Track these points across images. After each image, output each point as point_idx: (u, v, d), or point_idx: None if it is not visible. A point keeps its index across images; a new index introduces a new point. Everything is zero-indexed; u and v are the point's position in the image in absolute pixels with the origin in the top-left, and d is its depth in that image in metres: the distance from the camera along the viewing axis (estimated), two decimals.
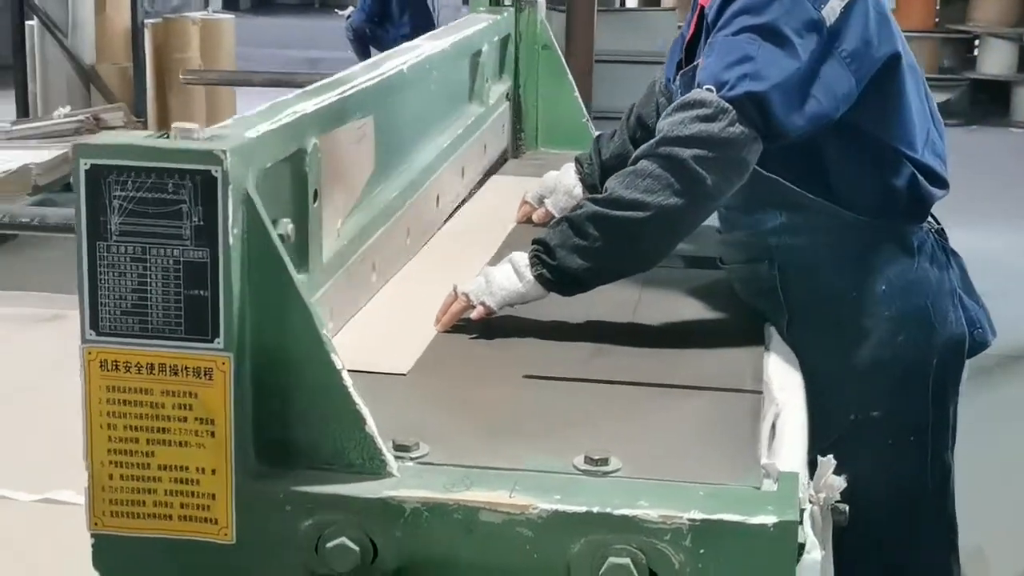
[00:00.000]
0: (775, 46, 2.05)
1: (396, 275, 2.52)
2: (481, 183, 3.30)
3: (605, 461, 1.70)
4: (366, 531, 1.63)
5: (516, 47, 3.59)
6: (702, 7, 2.26)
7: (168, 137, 1.62)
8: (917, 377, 2.26)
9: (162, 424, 1.64)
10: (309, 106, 2.04)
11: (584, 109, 3.66)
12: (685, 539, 1.58)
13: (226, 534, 1.64)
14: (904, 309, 2.23)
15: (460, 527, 1.61)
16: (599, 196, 2.10)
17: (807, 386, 2.21)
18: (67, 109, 8.26)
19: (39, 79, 8.82)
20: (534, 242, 2.13)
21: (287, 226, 1.94)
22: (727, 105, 2.02)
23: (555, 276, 2.09)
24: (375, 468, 1.67)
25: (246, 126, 1.83)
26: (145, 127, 8.26)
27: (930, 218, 2.36)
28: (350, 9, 12.96)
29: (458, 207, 3.05)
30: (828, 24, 2.09)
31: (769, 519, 1.57)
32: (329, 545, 1.62)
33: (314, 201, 2.05)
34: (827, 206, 2.19)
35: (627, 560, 1.58)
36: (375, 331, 2.21)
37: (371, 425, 1.67)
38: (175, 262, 1.60)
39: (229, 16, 9.08)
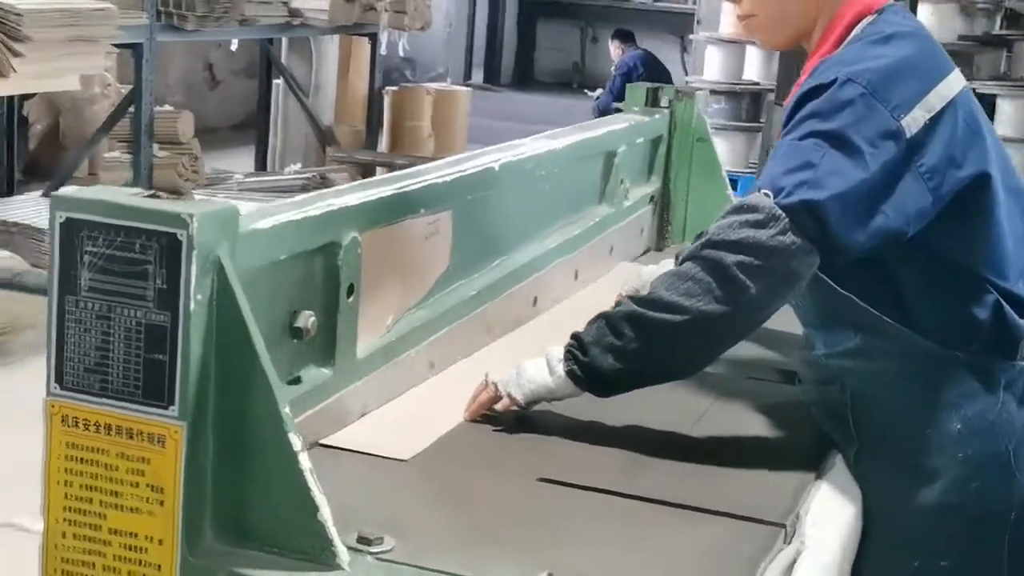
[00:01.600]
0: (842, 154, 1.90)
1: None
2: None
3: None
4: None
5: (669, 141, 3.49)
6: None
7: (155, 196, 1.60)
8: (992, 529, 2.04)
9: (115, 487, 1.61)
10: (352, 199, 2.00)
11: None
12: None
13: None
14: (981, 452, 2.02)
15: None
16: (641, 295, 1.98)
17: (870, 524, 2.04)
18: (298, 166, 8.57)
19: (279, 136, 9.18)
20: (572, 336, 2.02)
21: (308, 319, 1.90)
22: (780, 212, 1.88)
23: (585, 374, 1.98)
24: (325, 558, 1.59)
25: (266, 215, 1.81)
26: None
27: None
28: (599, 91, 13.07)
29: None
30: (908, 135, 1.93)
31: None
32: None
33: (348, 296, 2.00)
34: (902, 331, 2.01)
35: None
36: (402, 412, 2.13)
37: (324, 513, 1.59)
38: (138, 323, 1.57)
39: (464, 89, 9.25)
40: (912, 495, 2.04)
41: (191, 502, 1.60)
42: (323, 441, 1.98)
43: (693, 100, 3.51)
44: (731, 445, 2.11)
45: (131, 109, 6.47)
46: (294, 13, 7.42)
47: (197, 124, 7.96)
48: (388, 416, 2.12)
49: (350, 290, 2.01)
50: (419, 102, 8.66)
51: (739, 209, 1.93)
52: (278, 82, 9.13)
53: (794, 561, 1.76)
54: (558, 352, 2.02)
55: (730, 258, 1.89)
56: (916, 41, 2.04)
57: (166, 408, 1.57)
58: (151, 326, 1.57)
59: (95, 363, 1.59)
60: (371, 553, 1.64)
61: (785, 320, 2.18)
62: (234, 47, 8.53)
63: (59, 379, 1.61)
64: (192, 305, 1.55)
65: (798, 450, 2.10)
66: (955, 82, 2.02)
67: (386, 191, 2.12)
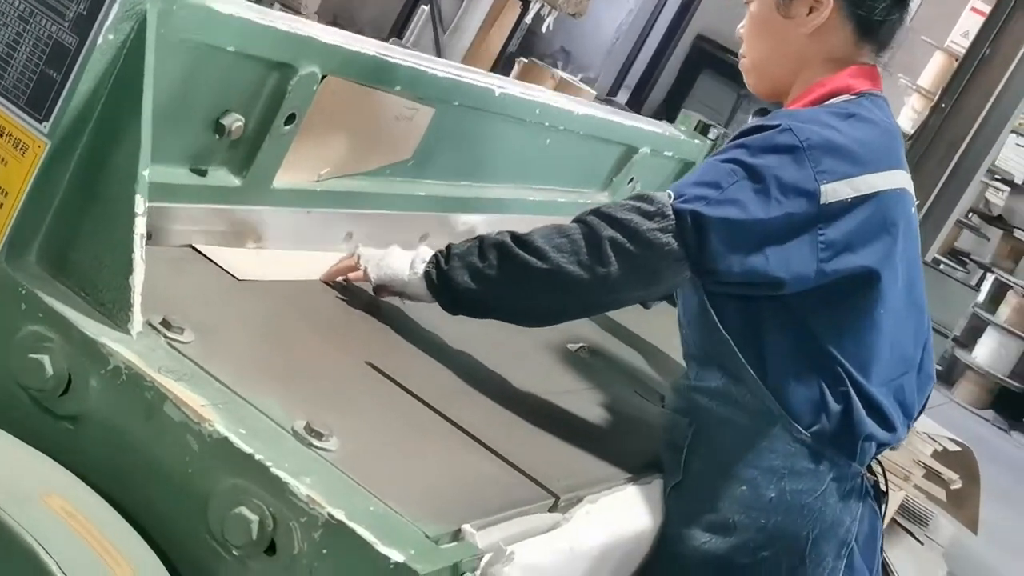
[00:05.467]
0: (752, 189, 1.94)
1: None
2: None
3: (320, 435, 1.63)
4: (70, 363, 1.61)
5: None
6: None
7: None
8: None
9: None
10: (327, 37, 2.06)
11: None
12: (317, 531, 1.49)
13: None
14: (782, 528, 2.03)
15: (141, 406, 1.58)
16: (519, 233, 2.03)
17: (658, 555, 2.07)
18: None
19: None
20: (446, 246, 2.08)
21: (234, 122, 1.97)
22: (670, 212, 1.93)
23: (439, 282, 2.04)
24: (119, 318, 1.65)
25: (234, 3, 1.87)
26: None
27: (876, 467, 2.17)
28: None
29: None
30: (823, 201, 1.96)
31: (396, 555, 1.47)
32: (30, 356, 1.62)
33: (286, 124, 2.06)
34: (761, 389, 2.04)
35: (256, 517, 1.51)
36: (279, 255, 2.20)
37: (136, 279, 1.65)
38: (48, 36, 1.64)
39: (590, 91, 9.26)
40: (705, 541, 2.06)
41: (28, 217, 1.67)
42: (196, 246, 2.05)
43: None
44: (565, 422, 2.14)
45: None
46: None
47: (344, 23, 8.07)
48: (264, 253, 2.18)
49: (290, 119, 2.06)
50: (542, 81, 8.68)
51: (639, 197, 1.99)
52: (425, 8, 9.20)
53: (548, 530, 1.79)
54: (427, 253, 2.08)
55: (607, 232, 1.95)
56: (874, 130, 2.06)
57: (40, 122, 1.65)
58: (58, 44, 1.64)
59: None
60: (166, 336, 1.70)
61: None
62: None
63: None
64: (100, 40, 1.62)
65: (624, 457, 2.12)
66: (892, 180, 2.04)
67: (367, 50, 2.17)
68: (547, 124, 2.76)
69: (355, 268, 2.14)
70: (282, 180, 2.15)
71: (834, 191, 1.96)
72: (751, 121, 2.14)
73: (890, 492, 4.98)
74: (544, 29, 8.79)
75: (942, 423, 6.76)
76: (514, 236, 2.00)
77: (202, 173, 2.02)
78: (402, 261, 2.09)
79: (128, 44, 1.64)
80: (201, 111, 1.94)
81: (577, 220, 1.99)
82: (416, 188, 2.50)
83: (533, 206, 2.89)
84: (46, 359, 1.61)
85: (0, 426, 1.60)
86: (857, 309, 2.02)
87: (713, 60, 18.82)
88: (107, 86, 1.65)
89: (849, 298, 2.01)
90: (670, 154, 3.35)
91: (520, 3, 8.68)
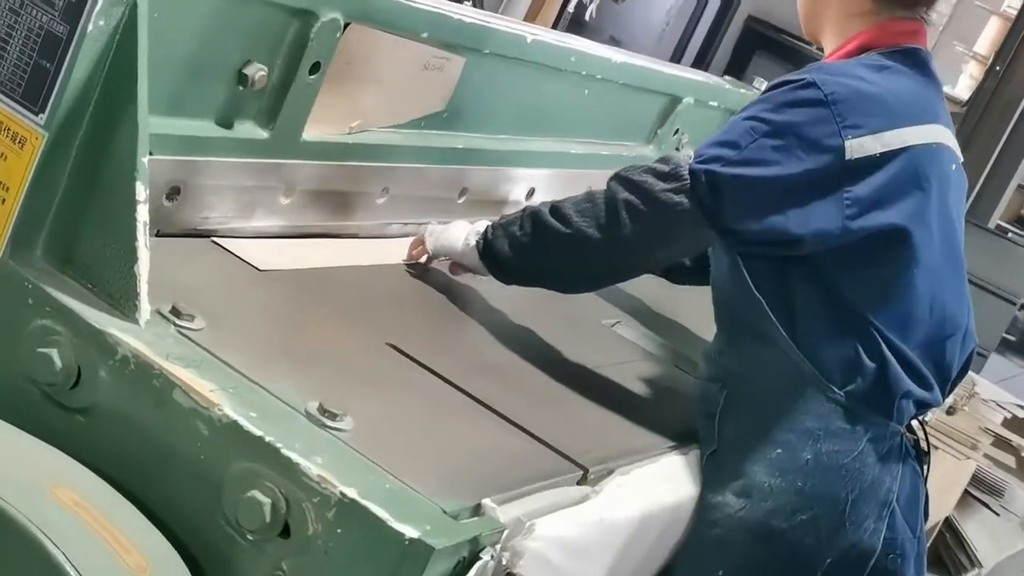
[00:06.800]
0: (771, 146, 1.90)
1: None
2: None
3: (334, 415, 1.60)
4: (79, 355, 1.60)
5: None
6: None
7: None
8: (804, 567, 1.99)
9: None
10: None
11: None
12: (330, 511, 1.47)
13: None
14: (820, 490, 1.97)
15: (151, 395, 1.56)
16: (554, 201, 2.05)
17: (696, 517, 2.02)
18: None
19: None
20: (500, 216, 2.13)
21: (257, 71, 1.94)
22: (684, 172, 1.91)
23: (485, 251, 2.09)
24: (126, 308, 1.63)
25: None
26: None
27: (917, 426, 2.11)
28: None
29: None
30: (848, 157, 1.90)
31: (410, 531, 1.43)
32: (38, 350, 1.61)
33: (311, 73, 2.03)
34: (793, 349, 1.98)
35: (268, 500, 1.48)
36: (301, 241, 2.17)
37: (142, 268, 1.63)
38: (40, 27, 1.63)
39: None
40: (740, 507, 2.00)
41: (31, 212, 1.65)
42: (214, 239, 2.04)
43: None
44: (594, 395, 2.09)
45: None
46: None
47: None
48: (285, 243, 2.15)
49: (315, 68, 2.03)
50: None
51: (660, 159, 1.99)
52: (467, 3, 9.20)
53: (576, 503, 1.75)
54: (483, 226, 2.12)
55: (623, 195, 1.96)
56: (910, 82, 2.00)
57: (36, 114, 1.63)
58: (50, 34, 1.62)
59: None
60: (176, 324, 1.67)
61: None
62: None
63: None
64: (91, 27, 1.60)
65: (658, 428, 2.08)
66: (926, 134, 1.98)
67: None
68: (584, 73, 2.71)
69: (420, 242, 2.22)
70: (312, 132, 2.12)
71: (860, 146, 1.90)
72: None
73: (960, 461, 4.85)
74: (588, 17, 8.74)
75: (1017, 394, 6.63)
76: (552, 205, 2.03)
77: (228, 126, 2.00)
78: (459, 235, 2.15)
79: (120, 30, 1.62)
80: (223, 61, 1.92)
81: (607, 185, 2.00)
82: (452, 141, 2.48)
83: (576, 159, 2.87)
84: (55, 352, 1.60)
85: (12, 422, 1.59)
86: (889, 269, 1.96)
87: (766, 41, 18.64)
88: (101, 74, 1.63)
89: (879, 257, 1.95)
90: (715, 104, 3.26)
91: None
